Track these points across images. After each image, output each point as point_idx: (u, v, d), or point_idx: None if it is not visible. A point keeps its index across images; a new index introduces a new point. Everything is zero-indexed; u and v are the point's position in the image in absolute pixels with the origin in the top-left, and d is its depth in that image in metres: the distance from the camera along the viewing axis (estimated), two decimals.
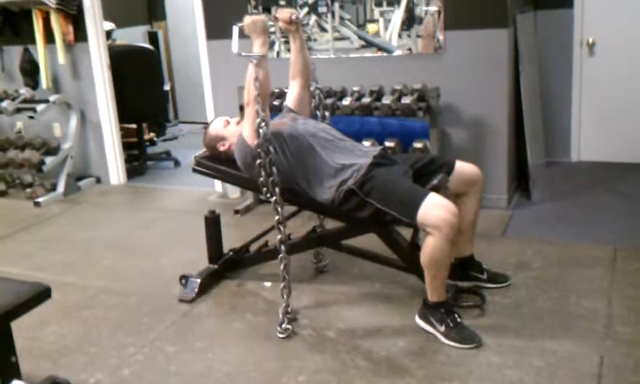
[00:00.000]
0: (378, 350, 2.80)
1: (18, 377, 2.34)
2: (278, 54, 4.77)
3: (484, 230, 3.64)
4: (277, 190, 2.95)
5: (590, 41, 5.07)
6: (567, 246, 3.73)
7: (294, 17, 3.20)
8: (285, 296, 3.01)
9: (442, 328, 2.80)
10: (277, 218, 2.97)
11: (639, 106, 5.05)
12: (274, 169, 2.94)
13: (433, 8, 4.24)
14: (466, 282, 3.21)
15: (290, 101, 3.39)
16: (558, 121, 5.29)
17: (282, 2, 4.64)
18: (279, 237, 2.99)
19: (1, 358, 2.33)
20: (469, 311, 3.00)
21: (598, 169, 5.15)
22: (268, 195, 2.97)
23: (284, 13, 3.22)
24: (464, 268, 3.23)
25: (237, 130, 3.22)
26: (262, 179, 2.95)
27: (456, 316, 2.83)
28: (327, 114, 3.52)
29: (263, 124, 2.91)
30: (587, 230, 3.97)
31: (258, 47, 2.95)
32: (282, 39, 4.71)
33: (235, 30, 2.98)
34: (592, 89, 5.17)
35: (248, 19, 2.98)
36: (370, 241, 3.24)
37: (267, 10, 4.68)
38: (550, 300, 3.13)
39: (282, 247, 2.99)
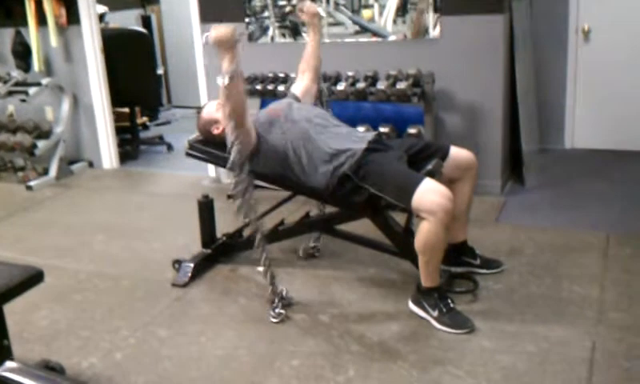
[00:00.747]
0: (370, 334, 2.81)
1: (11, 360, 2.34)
2: (273, 38, 4.74)
3: (477, 216, 3.65)
4: (253, 204, 2.95)
5: (586, 28, 5.06)
6: (560, 232, 3.74)
7: (322, 13, 3.34)
8: (268, 279, 3.03)
9: (435, 313, 2.81)
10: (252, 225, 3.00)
11: (634, 94, 5.05)
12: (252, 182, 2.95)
13: None
14: (458, 268, 3.21)
15: (298, 91, 3.42)
16: (552, 108, 5.29)
17: None
18: (257, 239, 3.00)
19: None
20: (462, 296, 3.00)
21: (591, 156, 5.15)
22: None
23: (312, 7, 3.31)
24: (457, 254, 3.23)
25: None
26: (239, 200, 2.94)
27: (449, 301, 2.84)
28: (330, 110, 3.55)
29: (237, 142, 2.81)
30: (580, 216, 3.98)
31: (227, 63, 2.64)
32: (277, 24, 4.68)
33: (204, 39, 2.66)
34: (587, 76, 5.16)
35: (213, 33, 2.62)
36: (363, 226, 3.24)
37: None
38: (543, 286, 3.14)
39: (259, 241, 3.00)
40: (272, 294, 3.01)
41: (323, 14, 3.27)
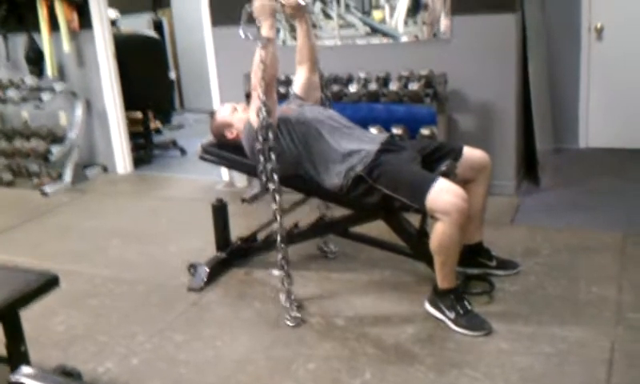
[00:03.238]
0: (386, 337, 2.80)
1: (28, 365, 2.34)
2: (284, 42, 4.73)
3: (492, 216, 3.61)
4: (275, 177, 2.93)
5: (599, 26, 5.02)
6: (576, 232, 3.71)
7: (302, 2, 3.18)
8: (285, 284, 3.01)
9: (452, 315, 2.79)
10: (274, 207, 2.96)
11: None
12: (273, 155, 2.92)
13: None
14: (474, 269, 3.19)
15: (298, 88, 3.38)
16: (566, 107, 5.24)
17: None
18: (276, 226, 2.98)
19: (10, 347, 2.33)
20: (478, 298, 2.98)
21: (606, 155, 5.11)
22: (265, 181, 2.96)
23: (291, 0, 3.15)
24: (473, 255, 3.21)
25: (244, 117, 3.21)
26: (260, 167, 2.94)
27: (466, 303, 2.82)
28: (330, 102, 3.49)
29: (264, 109, 2.89)
30: (596, 216, 3.95)
31: (265, 30, 2.91)
32: (288, 27, 4.68)
33: (244, 13, 2.96)
34: (600, 74, 5.12)
35: (257, 2, 2.93)
36: (377, 228, 3.23)
37: None
38: (560, 287, 3.11)
39: (279, 237, 2.99)
40: (287, 298, 3.01)
41: (303, 2, 3.22)
